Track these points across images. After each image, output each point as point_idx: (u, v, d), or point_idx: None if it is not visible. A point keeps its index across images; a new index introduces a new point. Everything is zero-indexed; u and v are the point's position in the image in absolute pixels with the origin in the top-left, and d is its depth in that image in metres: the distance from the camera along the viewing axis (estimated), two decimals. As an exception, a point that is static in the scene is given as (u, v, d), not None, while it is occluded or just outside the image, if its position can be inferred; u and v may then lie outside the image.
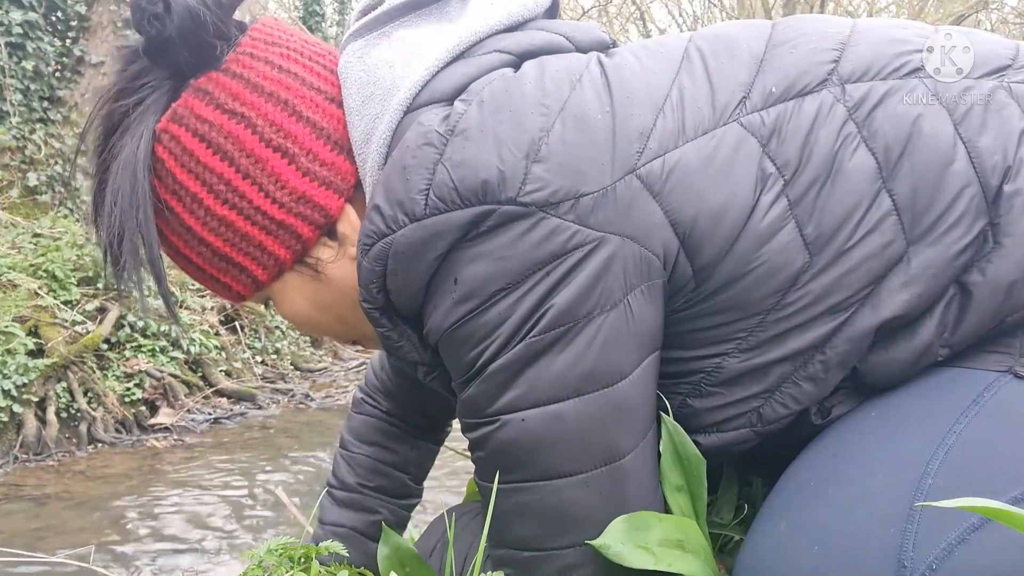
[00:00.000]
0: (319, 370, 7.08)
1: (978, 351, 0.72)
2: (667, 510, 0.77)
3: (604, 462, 0.71)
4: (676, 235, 0.71)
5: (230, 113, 0.78)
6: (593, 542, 0.70)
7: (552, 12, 0.88)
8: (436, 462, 1.23)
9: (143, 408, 5.33)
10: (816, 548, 0.66)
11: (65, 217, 6.11)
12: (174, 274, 6.07)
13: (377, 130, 0.77)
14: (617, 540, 0.70)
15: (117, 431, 5.09)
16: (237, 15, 0.84)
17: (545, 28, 0.83)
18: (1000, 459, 0.65)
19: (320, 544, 0.93)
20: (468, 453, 0.97)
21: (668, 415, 0.76)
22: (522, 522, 0.73)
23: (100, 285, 5.58)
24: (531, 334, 0.69)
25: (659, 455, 0.76)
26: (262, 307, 0.87)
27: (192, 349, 5.81)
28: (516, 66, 0.78)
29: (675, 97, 0.74)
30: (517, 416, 0.70)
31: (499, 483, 0.73)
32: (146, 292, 0.85)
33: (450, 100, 0.75)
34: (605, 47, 0.84)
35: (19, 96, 6.17)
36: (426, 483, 1.24)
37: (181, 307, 6.05)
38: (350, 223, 0.82)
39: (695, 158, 0.71)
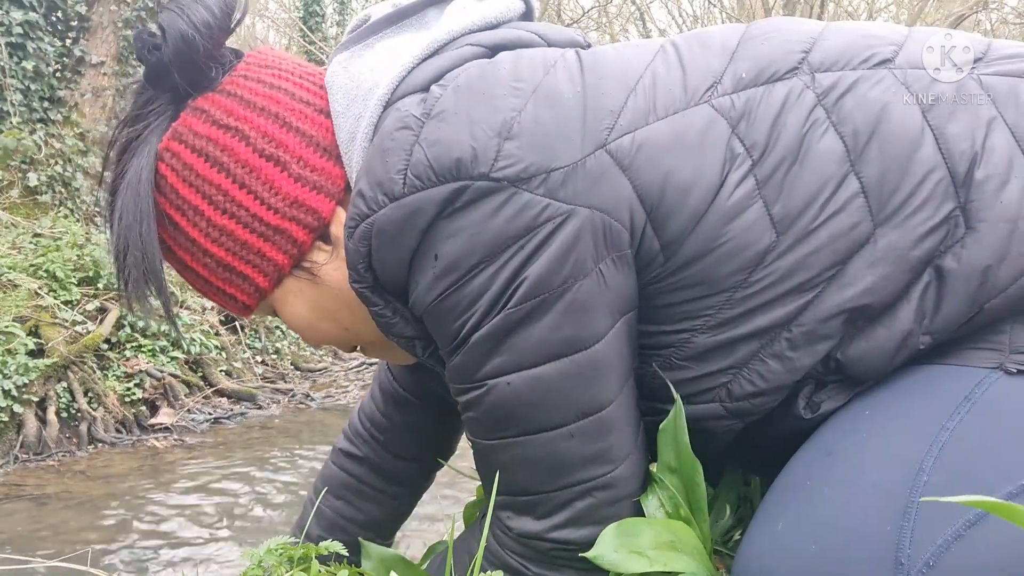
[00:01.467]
0: (319, 370, 7.08)
1: (968, 348, 0.73)
2: (659, 485, 0.80)
3: (586, 414, 0.75)
4: (644, 208, 0.73)
5: (225, 128, 0.83)
6: (587, 554, 0.73)
7: (527, 18, 0.91)
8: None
9: (143, 408, 5.33)
10: (813, 547, 0.66)
11: (65, 217, 6.11)
12: (173, 275, 6.06)
13: (360, 128, 0.80)
14: (610, 549, 0.72)
15: (117, 431, 5.09)
16: (239, 12, 0.87)
17: (519, 27, 0.87)
18: (993, 455, 0.66)
19: (320, 544, 0.93)
20: (464, 470, 0.99)
21: (678, 398, 0.79)
22: (518, 471, 0.79)
23: (100, 285, 5.58)
24: (509, 305, 0.72)
25: (638, 408, 0.80)
26: (270, 319, 0.89)
27: (192, 349, 5.81)
28: (490, 57, 0.81)
29: (647, 80, 0.77)
30: (502, 380, 0.75)
31: (493, 439, 0.79)
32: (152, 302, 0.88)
33: (426, 89, 0.78)
34: (581, 46, 0.87)
35: (19, 96, 6.17)
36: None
37: (182, 307, 6.05)
38: (342, 225, 0.84)
39: (665, 135, 0.74)
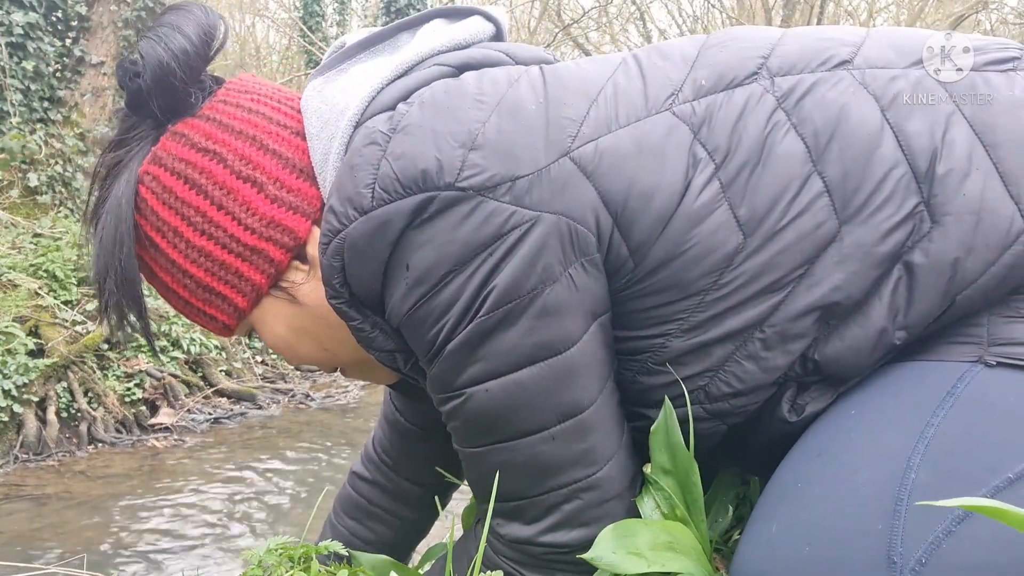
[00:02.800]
0: (319, 370, 7.07)
1: (947, 342, 0.74)
2: (654, 486, 0.80)
3: (566, 417, 0.76)
4: (609, 213, 0.74)
5: (203, 151, 0.85)
6: (585, 555, 0.73)
7: (498, 39, 0.93)
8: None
9: (143, 408, 5.33)
10: (807, 549, 0.67)
11: (66, 217, 6.11)
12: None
13: (333, 148, 0.82)
14: (608, 550, 0.73)
15: (117, 431, 5.09)
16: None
17: (487, 47, 0.88)
18: (979, 449, 0.66)
19: (320, 543, 0.93)
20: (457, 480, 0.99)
21: (667, 402, 0.79)
22: (504, 477, 0.79)
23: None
24: (480, 313, 0.73)
25: (620, 408, 0.81)
26: (251, 340, 0.90)
27: (192, 349, 5.81)
28: (457, 76, 0.83)
29: (609, 90, 0.78)
30: (480, 388, 0.75)
31: (476, 446, 0.79)
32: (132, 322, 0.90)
33: (394, 107, 0.79)
34: (548, 63, 0.88)
35: (19, 96, 6.17)
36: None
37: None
38: (318, 245, 0.84)
39: (627, 143, 0.75)
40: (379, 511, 1.21)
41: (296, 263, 0.86)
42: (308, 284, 0.87)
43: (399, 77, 0.82)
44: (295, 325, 0.89)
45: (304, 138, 0.86)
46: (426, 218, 0.72)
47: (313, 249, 0.85)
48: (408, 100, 0.78)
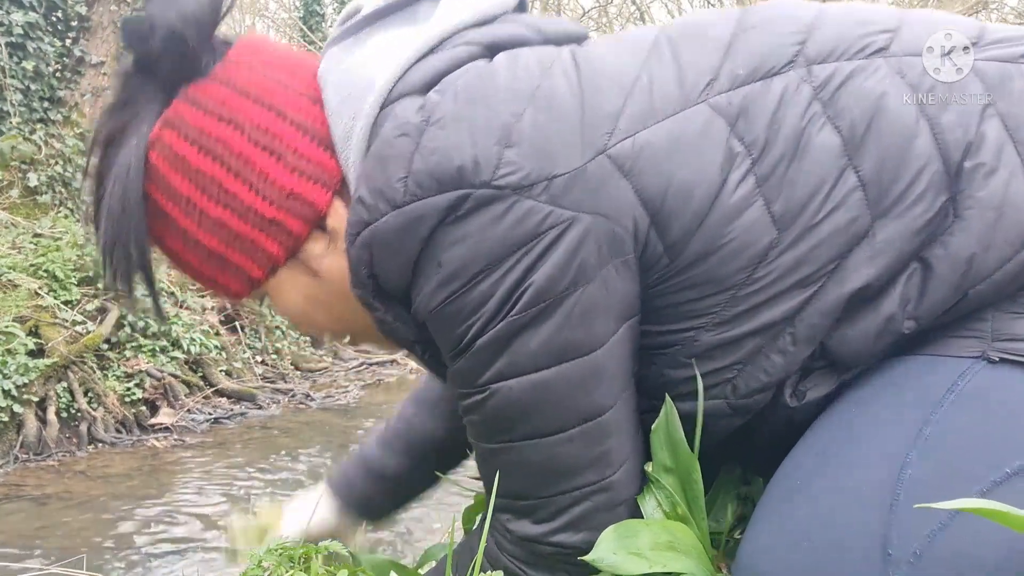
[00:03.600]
0: (319, 370, 7.08)
1: (951, 336, 0.74)
2: (656, 485, 0.80)
3: (586, 419, 0.75)
4: (646, 212, 0.73)
5: (218, 117, 0.81)
6: (587, 557, 0.73)
7: (521, 10, 0.90)
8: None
9: (143, 408, 5.33)
10: (806, 544, 0.68)
11: (66, 217, 6.11)
12: (174, 275, 6.07)
13: (356, 128, 0.79)
14: (609, 551, 0.73)
15: (117, 431, 5.09)
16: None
17: (514, 22, 0.85)
18: (977, 446, 0.67)
19: (320, 543, 0.93)
20: (461, 479, 1.00)
21: (668, 399, 0.79)
22: (518, 475, 0.78)
23: (100, 285, 5.58)
24: (512, 312, 0.72)
25: (636, 413, 0.81)
26: (261, 306, 0.89)
27: (192, 349, 5.81)
28: (487, 57, 0.80)
29: (644, 82, 0.76)
30: (505, 385, 0.75)
31: (494, 443, 0.79)
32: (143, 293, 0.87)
33: (423, 92, 0.77)
34: (577, 39, 0.86)
35: (19, 96, 6.17)
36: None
37: (182, 307, 6.05)
38: (338, 217, 0.83)
39: (664, 138, 0.73)
40: (411, 441, 1.20)
41: (315, 234, 0.84)
42: (327, 257, 0.85)
43: (426, 54, 0.80)
44: (311, 295, 0.87)
45: (322, 106, 0.83)
46: (460, 215, 0.72)
47: (333, 222, 0.83)
48: (439, 88, 0.76)
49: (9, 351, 4.64)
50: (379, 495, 1.21)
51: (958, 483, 0.65)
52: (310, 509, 1.15)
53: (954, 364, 0.72)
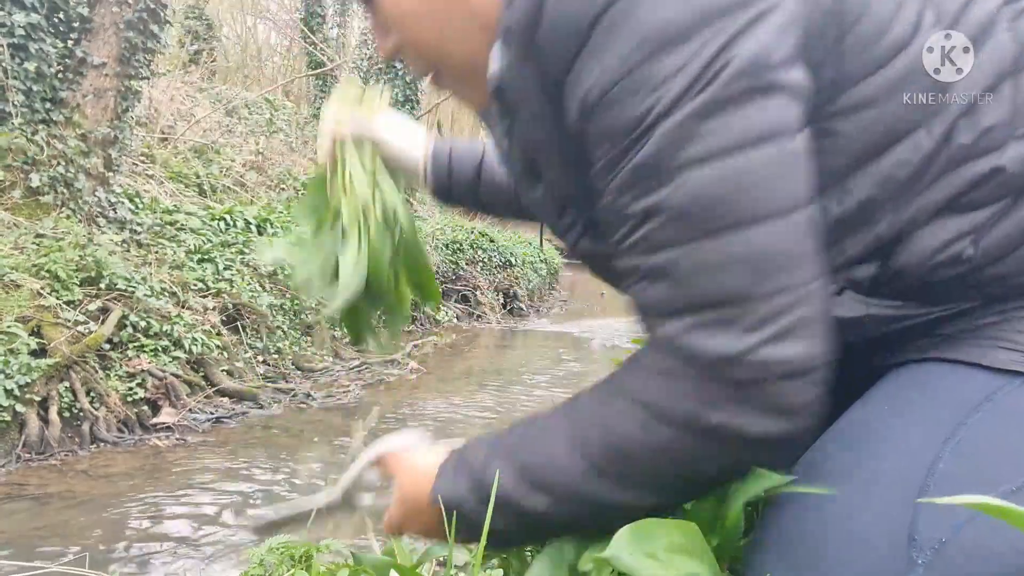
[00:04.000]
0: (320, 370, 7.08)
1: (989, 345, 0.74)
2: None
3: (795, 208, 0.68)
4: (837, 28, 0.72)
5: None
6: (602, 554, 0.72)
7: None
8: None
9: (145, 408, 5.33)
10: (831, 528, 0.68)
11: (68, 218, 6.11)
12: (175, 275, 6.07)
13: None
14: (625, 551, 0.72)
15: (119, 431, 5.10)
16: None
17: None
18: (1010, 449, 0.67)
19: (320, 543, 0.93)
20: None
21: None
22: (720, 277, 0.68)
23: (103, 285, 5.59)
24: (711, 84, 0.65)
25: None
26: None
27: (194, 349, 5.81)
28: None
29: None
30: (701, 170, 0.66)
31: (688, 241, 0.68)
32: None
33: None
34: None
35: (21, 97, 6.18)
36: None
37: (183, 307, 6.05)
38: None
39: None
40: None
41: None
42: None
43: None
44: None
45: None
46: None
47: None
48: None
49: (11, 351, 4.65)
50: (454, 178, 1.25)
51: (986, 481, 0.65)
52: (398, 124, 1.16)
53: (991, 375, 0.72)
